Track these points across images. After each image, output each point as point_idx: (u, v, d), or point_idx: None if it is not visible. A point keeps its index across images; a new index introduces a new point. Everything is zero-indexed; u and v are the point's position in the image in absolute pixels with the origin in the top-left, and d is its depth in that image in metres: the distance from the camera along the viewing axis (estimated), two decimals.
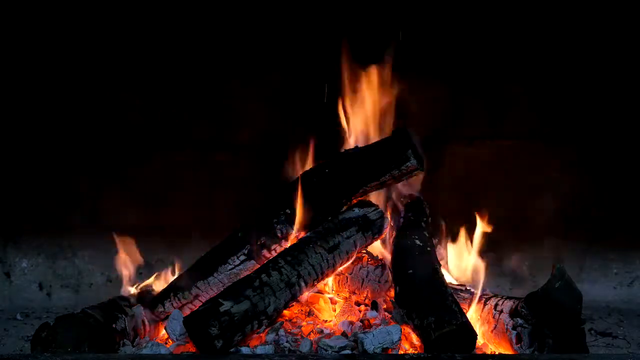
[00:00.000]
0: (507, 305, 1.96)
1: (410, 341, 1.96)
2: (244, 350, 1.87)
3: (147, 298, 2.21)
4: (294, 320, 2.09)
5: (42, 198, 2.96)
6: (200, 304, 2.04)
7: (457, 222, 2.41)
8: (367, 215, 2.21)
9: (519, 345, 1.87)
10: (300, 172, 2.35)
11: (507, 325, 1.91)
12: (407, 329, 1.95)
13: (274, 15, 2.87)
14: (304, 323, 2.07)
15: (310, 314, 2.15)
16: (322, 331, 2.03)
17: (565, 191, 2.97)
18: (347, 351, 1.86)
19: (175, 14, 2.88)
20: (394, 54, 2.45)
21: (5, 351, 2.33)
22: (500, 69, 2.94)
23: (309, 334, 2.01)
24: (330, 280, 2.26)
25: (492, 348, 2.00)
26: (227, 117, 2.96)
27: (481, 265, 2.23)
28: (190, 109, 2.96)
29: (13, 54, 2.88)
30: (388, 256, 2.26)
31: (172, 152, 2.98)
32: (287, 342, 1.94)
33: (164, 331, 2.11)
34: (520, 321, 1.87)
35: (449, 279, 2.27)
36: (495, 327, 1.97)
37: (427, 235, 2.27)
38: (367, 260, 2.26)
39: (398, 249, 2.19)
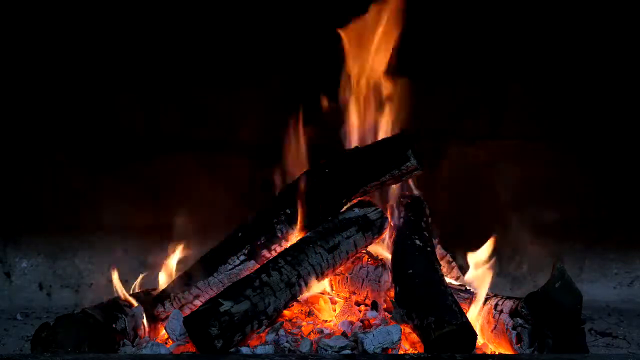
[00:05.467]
0: (507, 305, 1.96)
1: (411, 341, 1.96)
2: (244, 350, 1.87)
3: (147, 298, 2.21)
4: (294, 320, 2.09)
5: (42, 198, 2.96)
6: (200, 304, 2.04)
7: (457, 222, 2.41)
8: (367, 215, 2.21)
9: (519, 345, 1.86)
10: (300, 172, 2.35)
11: (507, 325, 1.91)
12: (407, 329, 1.94)
13: (276, 17, 2.87)
14: (304, 323, 2.07)
15: (310, 314, 2.15)
16: (322, 331, 2.03)
17: (566, 191, 2.97)
18: (347, 351, 1.86)
19: (176, 16, 2.87)
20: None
21: (5, 351, 2.33)
22: (500, 69, 2.94)
23: (309, 334, 2.01)
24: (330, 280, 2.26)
25: (492, 348, 2.00)
26: (228, 118, 2.96)
27: (483, 266, 2.24)
28: (191, 109, 2.96)
29: (13, 55, 2.89)
30: (388, 256, 2.26)
31: (172, 152, 2.98)
32: (287, 342, 1.94)
33: (164, 331, 2.11)
34: (520, 321, 1.87)
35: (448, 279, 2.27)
36: (495, 327, 1.97)
37: (427, 235, 2.27)
38: (367, 260, 2.26)
39: (398, 249, 2.19)
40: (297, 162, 2.43)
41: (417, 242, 2.18)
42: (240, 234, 2.23)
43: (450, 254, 2.47)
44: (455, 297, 1.95)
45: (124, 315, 2.05)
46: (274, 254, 2.17)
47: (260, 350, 1.87)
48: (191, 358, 1.86)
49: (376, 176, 2.21)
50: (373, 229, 2.21)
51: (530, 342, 1.84)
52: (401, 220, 2.35)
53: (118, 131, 2.96)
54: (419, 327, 1.87)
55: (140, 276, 2.34)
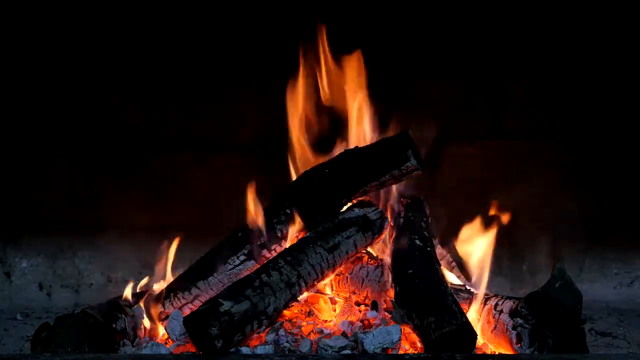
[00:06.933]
0: (507, 305, 1.97)
1: (410, 341, 1.96)
2: (244, 350, 1.87)
3: (147, 298, 2.21)
4: (294, 320, 2.09)
5: (42, 198, 2.96)
6: (200, 304, 2.04)
7: (457, 222, 2.41)
8: (367, 215, 2.21)
9: (519, 345, 1.87)
10: (300, 172, 2.35)
11: (507, 325, 1.91)
12: (407, 329, 1.94)
13: (275, 16, 2.87)
14: (304, 323, 2.07)
15: (310, 314, 2.15)
16: (322, 331, 2.03)
17: (566, 191, 2.97)
18: (347, 351, 1.86)
19: (175, 15, 2.87)
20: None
21: (5, 351, 2.33)
22: (500, 69, 2.94)
23: (309, 334, 2.01)
24: (330, 280, 2.26)
25: (492, 348, 2.00)
26: (227, 118, 2.96)
27: (483, 265, 2.23)
28: (191, 110, 2.96)
29: (13, 55, 2.89)
30: (388, 256, 2.26)
31: (172, 153, 2.98)
32: (287, 342, 1.94)
33: (164, 331, 2.11)
34: (520, 321, 1.87)
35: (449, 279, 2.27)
36: (495, 327, 1.97)
37: (427, 235, 2.27)
38: (367, 260, 2.26)
39: (398, 249, 2.19)
40: (298, 161, 2.43)
41: (417, 242, 2.18)
42: (240, 234, 2.23)
43: (449, 254, 2.47)
44: (455, 297, 1.95)
45: (124, 315, 2.04)
46: (274, 254, 2.17)
47: (260, 350, 1.87)
48: (191, 358, 1.86)
49: (376, 176, 2.21)
50: (373, 229, 2.21)
51: (530, 342, 1.85)
52: (401, 220, 2.35)
53: (117, 131, 2.96)
54: (419, 327, 1.87)
55: (141, 277, 2.33)
